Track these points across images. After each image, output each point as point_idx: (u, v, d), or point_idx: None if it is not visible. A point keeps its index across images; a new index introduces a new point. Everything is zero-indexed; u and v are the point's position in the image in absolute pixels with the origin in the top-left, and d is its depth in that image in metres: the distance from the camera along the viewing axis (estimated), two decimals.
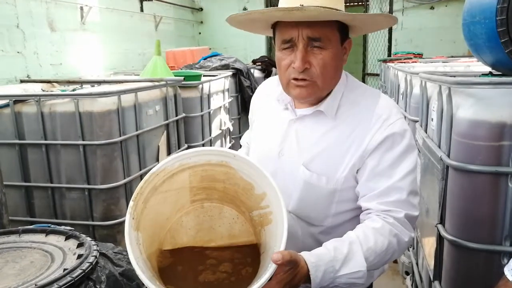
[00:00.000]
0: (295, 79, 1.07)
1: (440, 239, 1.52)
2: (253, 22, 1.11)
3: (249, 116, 1.40)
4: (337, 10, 1.03)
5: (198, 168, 1.02)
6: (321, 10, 0.96)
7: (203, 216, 1.13)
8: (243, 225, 1.12)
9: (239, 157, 0.99)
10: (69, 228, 1.53)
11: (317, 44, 1.03)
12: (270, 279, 0.84)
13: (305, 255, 0.93)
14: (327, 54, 1.04)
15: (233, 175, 1.03)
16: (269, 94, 1.28)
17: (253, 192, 1.02)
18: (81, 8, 3.87)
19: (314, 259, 0.92)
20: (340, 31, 1.07)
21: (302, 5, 0.95)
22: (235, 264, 1.01)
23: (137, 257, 0.86)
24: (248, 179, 1.01)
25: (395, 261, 2.84)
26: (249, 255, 1.04)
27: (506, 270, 0.85)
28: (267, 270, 0.83)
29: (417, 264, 2.22)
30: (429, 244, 1.78)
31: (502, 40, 1.35)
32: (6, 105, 2.12)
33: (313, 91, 1.08)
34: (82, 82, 2.88)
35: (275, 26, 1.10)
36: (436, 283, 1.55)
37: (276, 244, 0.87)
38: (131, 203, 0.91)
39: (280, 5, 1.07)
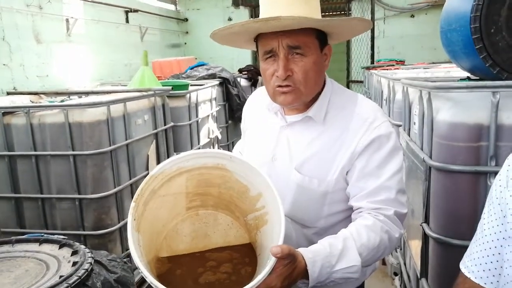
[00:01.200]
0: (280, 86, 1.11)
1: (425, 238, 1.58)
2: (236, 36, 1.16)
3: (241, 126, 1.44)
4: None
5: (195, 172, 1.05)
6: (295, 18, 1.01)
7: (198, 223, 1.15)
8: (238, 230, 1.15)
9: (235, 158, 1.02)
10: (62, 237, 1.55)
11: (298, 51, 1.09)
12: (270, 273, 0.86)
13: (302, 251, 0.96)
14: (307, 60, 1.09)
15: (229, 178, 1.06)
16: (259, 104, 1.32)
17: (248, 195, 1.05)
18: (67, 20, 3.89)
19: (311, 254, 0.96)
20: (318, 38, 1.12)
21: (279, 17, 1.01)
22: (234, 264, 1.03)
23: (140, 257, 0.88)
24: (244, 181, 1.04)
25: (384, 263, 2.89)
26: (247, 255, 1.06)
27: (462, 267, 0.88)
28: (267, 264, 0.86)
29: (404, 264, 2.28)
30: (415, 244, 1.83)
31: (477, 47, 1.42)
32: None
33: (297, 96, 1.12)
34: (69, 93, 2.88)
35: (257, 39, 1.15)
36: (423, 280, 1.60)
37: (273, 242, 0.90)
38: (132, 204, 0.93)
39: (260, 16, 1.12)
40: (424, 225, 1.57)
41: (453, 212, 1.45)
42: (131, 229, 0.90)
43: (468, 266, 0.86)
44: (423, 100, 1.61)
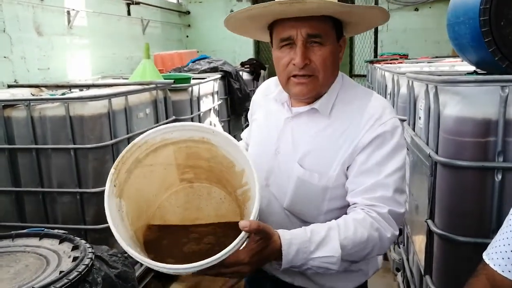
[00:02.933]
0: (295, 75, 1.08)
1: (430, 234, 1.56)
2: (250, 22, 1.12)
3: (249, 115, 1.42)
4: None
5: (181, 144, 1.05)
6: (321, 2, 0.97)
7: (192, 195, 1.17)
8: (230, 205, 1.15)
9: (217, 133, 1.01)
10: (62, 231, 1.53)
11: (316, 40, 1.05)
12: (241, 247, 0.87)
13: (280, 231, 0.95)
14: (326, 50, 1.07)
15: (215, 153, 1.05)
16: (267, 94, 1.30)
17: (234, 170, 1.05)
18: (68, 13, 3.85)
19: (289, 236, 0.95)
20: (335, 28, 1.09)
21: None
22: (218, 237, 1.04)
23: (116, 222, 0.90)
24: (230, 157, 1.04)
25: (386, 259, 2.88)
26: (232, 229, 1.05)
27: (484, 255, 0.91)
28: (237, 237, 0.86)
29: (407, 260, 2.26)
30: (419, 240, 1.81)
31: (486, 40, 1.39)
32: None
33: (314, 87, 1.09)
34: (70, 86, 2.86)
35: (272, 27, 1.12)
36: (427, 277, 1.58)
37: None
38: (112, 170, 0.95)
39: None
40: (429, 221, 1.55)
41: (459, 209, 1.43)
42: (110, 194, 0.92)
43: (489, 253, 0.90)
44: (430, 94, 1.58)
